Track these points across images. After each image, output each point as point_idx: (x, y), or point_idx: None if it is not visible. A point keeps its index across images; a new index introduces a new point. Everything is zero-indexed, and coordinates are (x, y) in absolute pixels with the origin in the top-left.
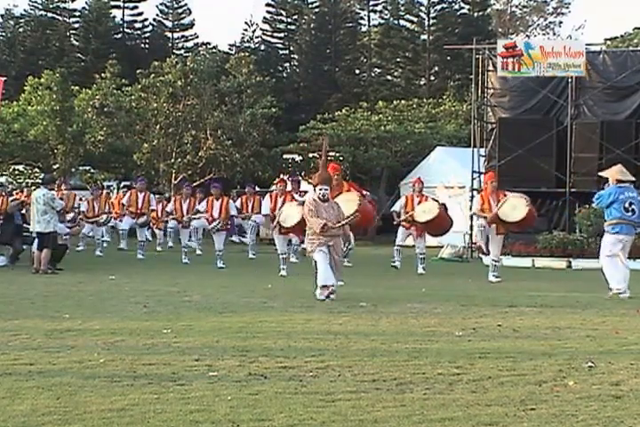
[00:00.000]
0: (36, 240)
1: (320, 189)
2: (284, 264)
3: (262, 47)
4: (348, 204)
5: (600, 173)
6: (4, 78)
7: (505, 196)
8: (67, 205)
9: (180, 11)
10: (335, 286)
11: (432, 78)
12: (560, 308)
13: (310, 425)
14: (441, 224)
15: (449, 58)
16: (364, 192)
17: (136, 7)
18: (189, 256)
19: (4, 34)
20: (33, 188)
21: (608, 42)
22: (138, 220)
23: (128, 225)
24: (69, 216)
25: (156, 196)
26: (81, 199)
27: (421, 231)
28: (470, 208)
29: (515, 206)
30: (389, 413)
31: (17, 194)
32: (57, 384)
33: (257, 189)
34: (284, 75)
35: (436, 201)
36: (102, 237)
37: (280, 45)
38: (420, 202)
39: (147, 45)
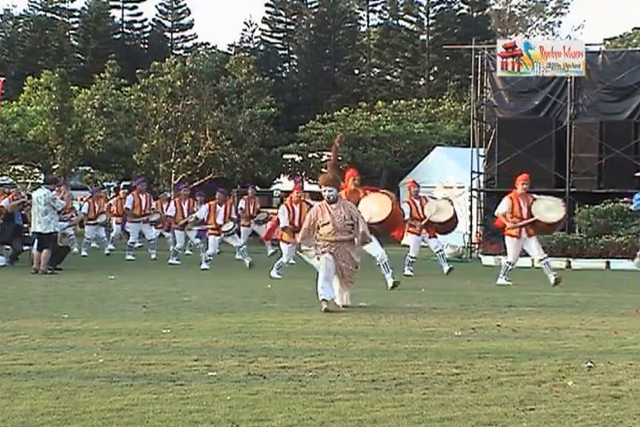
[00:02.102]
0: (36, 240)
1: (324, 191)
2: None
3: (261, 47)
4: (382, 204)
5: (637, 174)
6: (4, 78)
7: (534, 199)
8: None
9: (179, 11)
10: (336, 297)
11: (431, 78)
12: (559, 308)
13: (309, 425)
14: (452, 221)
15: (448, 58)
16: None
17: (135, 7)
18: (178, 256)
19: (3, 34)
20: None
21: (607, 42)
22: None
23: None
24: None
25: (162, 194)
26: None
27: (434, 231)
28: (470, 208)
29: (550, 207)
30: (388, 413)
31: (8, 195)
32: (56, 384)
33: (257, 189)
34: (284, 75)
35: (446, 199)
36: (102, 237)
37: (279, 45)
38: (421, 204)
39: (146, 45)
